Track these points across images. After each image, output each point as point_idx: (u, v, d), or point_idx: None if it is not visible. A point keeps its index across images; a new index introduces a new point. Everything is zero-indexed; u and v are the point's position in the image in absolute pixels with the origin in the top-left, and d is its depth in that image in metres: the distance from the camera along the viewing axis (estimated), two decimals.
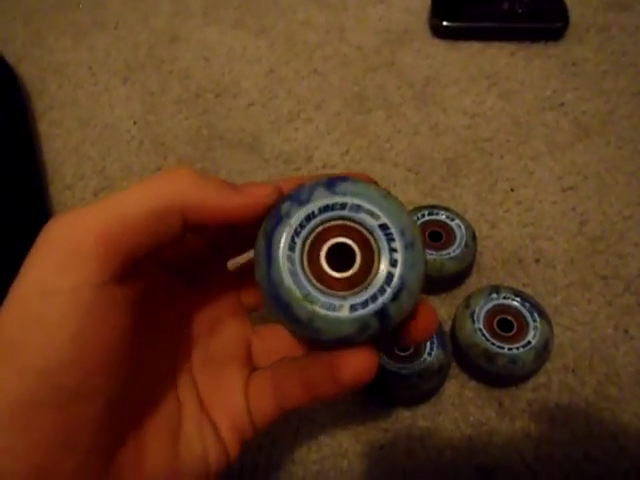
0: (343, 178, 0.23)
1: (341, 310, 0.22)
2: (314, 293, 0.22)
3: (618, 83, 0.55)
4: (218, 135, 0.54)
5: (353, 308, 0.22)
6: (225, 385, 0.28)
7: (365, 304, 0.22)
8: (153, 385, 0.26)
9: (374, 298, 0.22)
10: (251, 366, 0.30)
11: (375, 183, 0.24)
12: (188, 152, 0.53)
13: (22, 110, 0.56)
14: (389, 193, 0.23)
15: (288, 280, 0.22)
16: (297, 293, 0.22)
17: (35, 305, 0.20)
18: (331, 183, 0.23)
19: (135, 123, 0.56)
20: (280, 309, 0.22)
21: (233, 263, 0.31)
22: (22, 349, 0.20)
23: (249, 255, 0.28)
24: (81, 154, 0.54)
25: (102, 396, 0.21)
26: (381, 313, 0.22)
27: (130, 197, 0.22)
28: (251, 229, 0.24)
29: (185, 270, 0.29)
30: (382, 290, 0.22)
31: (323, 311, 0.22)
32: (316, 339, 0.22)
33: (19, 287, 0.20)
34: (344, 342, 0.22)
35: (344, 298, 0.22)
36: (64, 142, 0.55)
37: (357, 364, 0.23)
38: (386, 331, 0.22)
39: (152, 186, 0.22)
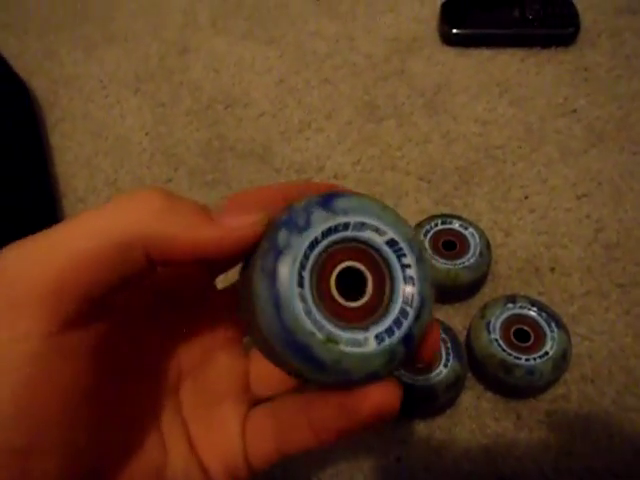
0: (337, 194, 0.21)
1: (367, 344, 0.19)
2: (335, 331, 0.19)
3: (631, 87, 0.55)
4: (229, 146, 0.54)
5: (379, 338, 0.19)
6: (218, 424, 0.25)
7: (391, 332, 0.20)
8: (131, 428, 0.23)
9: (398, 323, 0.20)
10: (249, 400, 0.26)
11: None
12: (199, 163, 0.53)
13: (34, 123, 0.56)
14: (384, 203, 0.21)
15: (305, 322, 0.19)
16: (319, 335, 0.19)
17: None
18: (327, 201, 0.20)
19: (147, 134, 0.56)
20: (298, 356, 0.19)
21: (222, 279, 0.29)
22: None
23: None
24: (93, 166, 0.54)
25: (60, 450, 0.18)
26: (407, 338, 0.20)
27: (83, 229, 0.19)
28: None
29: (167, 295, 0.25)
30: (404, 313, 0.20)
31: (349, 349, 0.19)
32: (342, 381, 0.20)
33: None
34: (371, 378, 0.20)
35: (366, 329, 0.20)
36: (76, 154, 0.55)
37: (380, 397, 0.21)
38: (410, 356, 0.20)
39: (108, 215, 0.19)
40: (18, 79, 0.59)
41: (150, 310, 0.25)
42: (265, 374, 0.27)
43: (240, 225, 0.20)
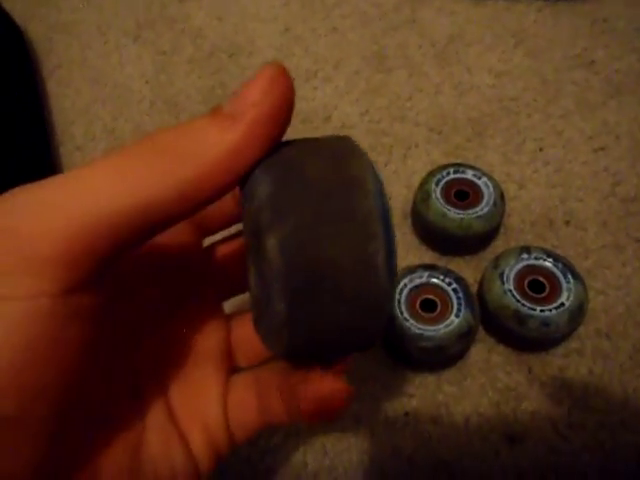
0: None
1: None
2: None
3: None
4: None
5: None
6: (199, 392, 0.24)
7: None
8: (110, 397, 0.22)
9: None
10: (230, 367, 0.25)
11: None
12: (201, 111, 0.51)
13: (30, 69, 0.54)
14: None
15: None
16: None
17: None
18: None
19: (147, 82, 0.53)
20: None
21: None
22: None
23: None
24: (91, 114, 0.52)
25: (50, 421, 0.17)
26: None
27: (97, 188, 0.16)
28: None
29: (155, 261, 0.24)
30: None
31: None
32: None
33: None
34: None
35: None
36: (73, 102, 0.53)
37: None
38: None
39: (116, 175, 0.16)
40: (13, 24, 0.56)
41: (136, 277, 0.23)
42: (247, 341, 0.26)
43: (255, 100, 0.17)
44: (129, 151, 0.17)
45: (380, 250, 0.17)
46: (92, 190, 0.16)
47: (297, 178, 0.17)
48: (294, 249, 0.16)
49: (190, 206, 0.17)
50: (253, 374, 0.24)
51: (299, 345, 0.17)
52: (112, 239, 0.16)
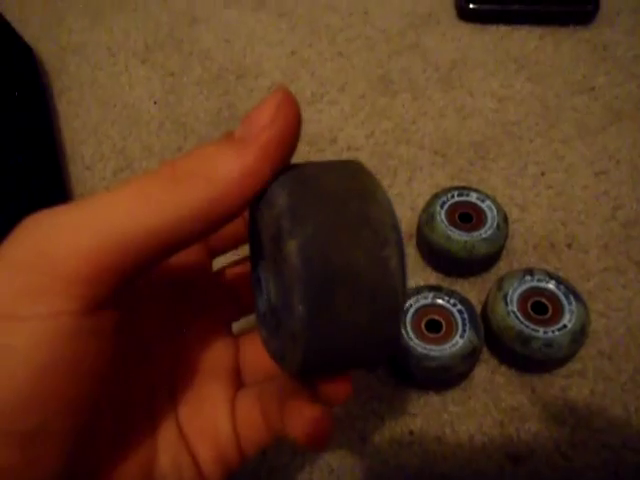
0: None
1: None
2: None
3: None
4: (239, 116, 0.53)
5: None
6: (208, 410, 0.24)
7: None
8: (125, 414, 0.22)
9: None
10: (238, 384, 0.26)
11: None
12: (209, 132, 0.52)
13: (41, 89, 0.55)
14: None
15: None
16: None
17: None
18: None
19: (155, 103, 0.55)
20: None
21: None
22: None
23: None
24: (101, 134, 0.53)
25: (65, 438, 0.17)
26: None
27: (119, 211, 0.17)
28: None
29: (166, 280, 0.25)
30: None
31: None
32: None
33: None
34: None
35: None
36: (83, 122, 0.54)
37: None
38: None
39: (136, 200, 0.17)
40: (24, 45, 0.57)
41: (149, 296, 0.24)
42: (253, 361, 0.26)
43: (264, 124, 0.18)
44: (150, 177, 0.18)
45: (393, 255, 0.18)
46: (115, 213, 0.17)
47: (313, 190, 0.18)
48: (314, 251, 0.17)
49: (207, 227, 0.18)
50: (257, 390, 0.25)
51: (317, 350, 0.18)
52: (133, 260, 0.17)
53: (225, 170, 0.17)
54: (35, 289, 0.16)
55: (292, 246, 0.17)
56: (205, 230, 0.18)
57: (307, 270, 0.17)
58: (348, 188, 0.18)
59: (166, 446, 0.23)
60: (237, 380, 0.26)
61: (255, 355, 0.26)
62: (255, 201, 0.19)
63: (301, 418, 0.22)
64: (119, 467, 0.21)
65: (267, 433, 0.24)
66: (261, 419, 0.24)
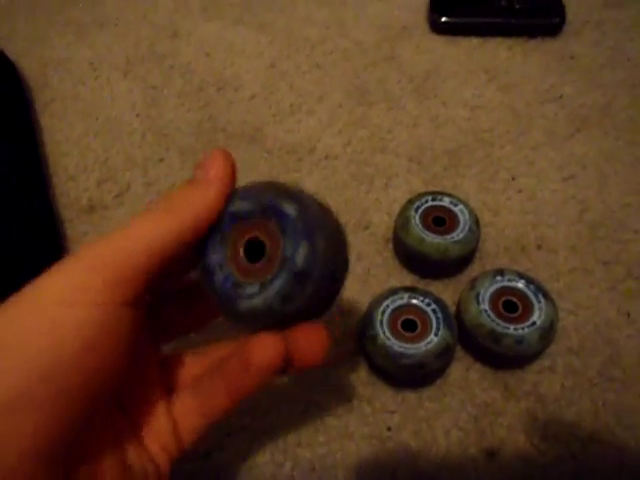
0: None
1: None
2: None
3: (615, 76, 0.56)
4: (220, 127, 0.55)
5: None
6: (150, 411, 0.28)
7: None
8: (105, 405, 0.27)
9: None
10: (170, 387, 0.30)
11: None
12: (191, 144, 0.53)
13: (24, 104, 0.56)
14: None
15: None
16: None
17: (52, 312, 0.21)
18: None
19: (137, 116, 0.56)
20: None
21: None
22: (29, 353, 0.20)
23: None
24: (83, 146, 0.54)
25: (85, 411, 0.22)
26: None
27: (158, 229, 0.23)
28: None
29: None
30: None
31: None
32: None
33: (30, 296, 0.22)
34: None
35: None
36: (66, 135, 0.55)
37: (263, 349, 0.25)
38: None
39: (165, 221, 0.24)
40: (7, 60, 0.58)
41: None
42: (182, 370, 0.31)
43: (215, 175, 0.25)
44: (153, 211, 0.24)
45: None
46: (139, 234, 0.23)
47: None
48: (310, 212, 0.24)
49: (194, 236, 0.25)
50: (191, 385, 0.29)
51: (323, 276, 0.23)
52: (153, 265, 0.23)
53: (199, 200, 0.25)
54: (88, 285, 0.22)
55: (292, 207, 0.24)
56: (193, 238, 0.25)
57: (310, 222, 0.23)
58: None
59: (128, 440, 0.27)
60: (168, 382, 0.30)
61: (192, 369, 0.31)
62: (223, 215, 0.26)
63: (265, 348, 0.25)
64: (103, 457, 0.25)
65: (201, 422, 0.28)
66: (196, 411, 0.28)
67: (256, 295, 0.24)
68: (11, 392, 0.20)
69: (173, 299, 0.30)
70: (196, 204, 0.24)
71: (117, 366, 0.23)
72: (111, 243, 0.23)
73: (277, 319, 0.24)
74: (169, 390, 0.30)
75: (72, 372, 0.21)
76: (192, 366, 0.30)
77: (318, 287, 0.23)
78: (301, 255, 0.23)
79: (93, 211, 0.49)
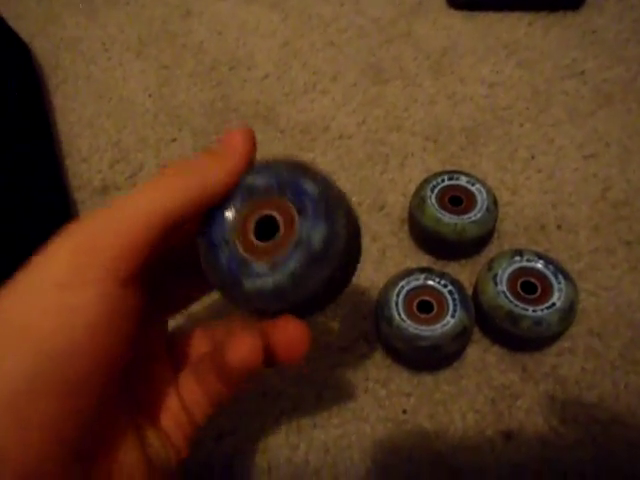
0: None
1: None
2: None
3: (639, 50, 0.54)
4: (233, 107, 0.54)
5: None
6: (160, 390, 0.28)
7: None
8: (120, 390, 0.26)
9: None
10: (176, 365, 0.29)
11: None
12: (203, 124, 0.53)
13: (37, 84, 0.56)
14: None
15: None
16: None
17: (53, 295, 0.20)
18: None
19: (150, 96, 0.55)
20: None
21: None
22: (35, 334, 0.20)
23: None
24: (96, 127, 0.53)
25: (98, 394, 0.21)
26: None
27: (163, 196, 0.22)
28: None
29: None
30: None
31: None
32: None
33: (30, 279, 0.21)
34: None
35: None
36: (79, 115, 0.54)
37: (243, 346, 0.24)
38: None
39: (155, 196, 0.23)
40: (20, 41, 0.58)
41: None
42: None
43: (235, 148, 0.25)
44: (162, 175, 0.23)
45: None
46: (141, 202, 0.22)
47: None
48: (332, 193, 0.24)
49: (200, 208, 0.24)
50: (193, 365, 0.28)
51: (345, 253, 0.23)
52: (155, 236, 0.22)
53: (214, 170, 0.24)
54: (86, 265, 0.21)
55: (311, 185, 0.23)
56: (200, 209, 0.24)
57: (329, 202, 0.23)
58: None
59: (144, 422, 0.26)
60: (173, 360, 0.29)
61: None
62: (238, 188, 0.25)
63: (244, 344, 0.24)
64: (122, 439, 0.24)
65: (209, 404, 0.27)
66: (201, 392, 0.27)
67: (265, 275, 0.23)
68: (27, 373, 0.19)
69: (174, 270, 0.29)
70: (210, 172, 0.24)
71: (123, 347, 0.22)
72: (108, 218, 0.22)
73: (283, 303, 0.23)
74: (177, 369, 0.29)
75: (79, 354, 0.20)
76: (199, 343, 0.30)
77: (333, 273, 0.23)
78: (319, 236, 0.22)
79: (106, 192, 0.49)
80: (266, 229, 0.24)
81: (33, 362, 0.19)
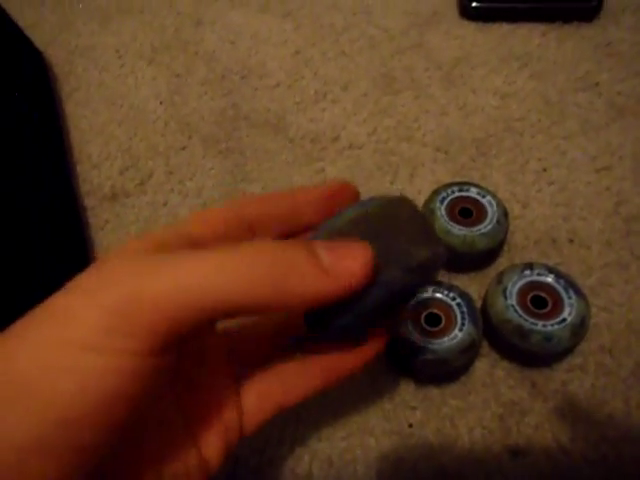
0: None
1: None
2: None
3: None
4: (243, 115, 0.54)
5: None
6: (212, 400, 0.26)
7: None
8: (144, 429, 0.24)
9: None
10: (235, 371, 0.28)
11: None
12: (214, 132, 0.53)
13: (49, 91, 0.56)
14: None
15: None
16: None
17: (75, 356, 0.19)
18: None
19: (161, 103, 0.55)
20: None
21: None
22: (44, 397, 0.18)
23: None
24: (107, 134, 0.54)
25: (98, 455, 0.20)
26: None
27: (200, 280, 0.19)
28: None
29: None
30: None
31: None
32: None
33: (48, 334, 0.19)
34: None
35: None
36: (90, 122, 0.55)
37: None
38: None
39: (214, 271, 0.19)
40: (34, 48, 0.59)
41: None
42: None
43: (352, 272, 0.21)
44: (236, 252, 0.20)
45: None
46: (196, 277, 0.19)
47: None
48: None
49: (267, 309, 0.20)
50: (261, 371, 0.27)
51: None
52: (199, 318, 0.19)
53: (303, 285, 0.20)
54: (117, 330, 0.19)
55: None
56: (263, 311, 0.20)
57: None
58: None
59: (175, 443, 0.25)
60: (233, 366, 0.28)
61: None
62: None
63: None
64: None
65: (277, 406, 0.27)
66: (271, 391, 0.26)
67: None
68: (32, 433, 0.18)
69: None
70: (298, 284, 0.20)
71: (143, 410, 0.20)
72: (153, 278, 0.19)
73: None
74: (238, 377, 0.27)
75: (91, 425, 0.19)
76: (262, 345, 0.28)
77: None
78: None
79: (115, 199, 0.49)
80: None
81: (34, 425, 0.18)
